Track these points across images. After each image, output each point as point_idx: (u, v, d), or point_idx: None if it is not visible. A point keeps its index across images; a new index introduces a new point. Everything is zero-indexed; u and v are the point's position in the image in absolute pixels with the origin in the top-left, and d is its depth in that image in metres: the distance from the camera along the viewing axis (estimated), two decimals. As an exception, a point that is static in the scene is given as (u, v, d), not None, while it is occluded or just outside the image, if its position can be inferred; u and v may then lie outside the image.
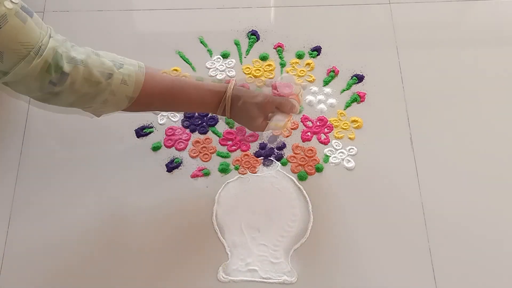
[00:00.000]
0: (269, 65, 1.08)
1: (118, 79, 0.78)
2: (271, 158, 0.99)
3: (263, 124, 0.88)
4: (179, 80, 0.86)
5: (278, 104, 0.88)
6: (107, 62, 0.77)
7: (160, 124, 1.02)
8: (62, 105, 0.80)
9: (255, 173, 0.98)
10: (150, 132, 1.01)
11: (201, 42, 1.11)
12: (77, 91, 0.76)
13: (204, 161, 0.99)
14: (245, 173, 0.98)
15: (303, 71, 1.08)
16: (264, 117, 0.88)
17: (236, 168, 0.98)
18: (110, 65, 0.78)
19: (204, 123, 1.02)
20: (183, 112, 1.02)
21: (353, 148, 1.00)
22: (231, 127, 1.02)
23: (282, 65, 1.08)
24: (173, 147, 1.00)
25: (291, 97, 0.89)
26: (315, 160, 0.99)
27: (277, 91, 0.89)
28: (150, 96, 0.83)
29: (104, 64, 0.77)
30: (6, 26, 0.68)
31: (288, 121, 0.90)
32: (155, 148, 1.00)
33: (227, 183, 0.97)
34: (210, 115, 1.03)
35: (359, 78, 1.07)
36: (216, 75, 1.07)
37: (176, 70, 1.07)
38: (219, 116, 1.03)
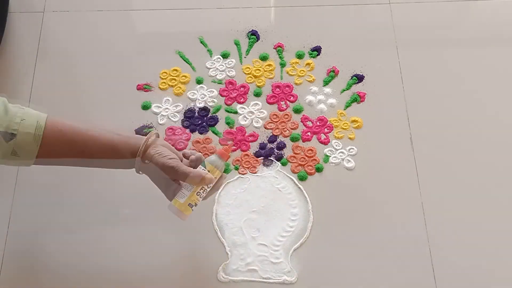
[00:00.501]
0: (269, 65, 1.08)
1: (7, 151, 0.76)
2: (271, 158, 0.99)
3: (170, 193, 0.81)
4: (84, 141, 0.79)
5: (185, 177, 0.78)
6: None
7: (160, 124, 1.02)
8: None
9: (255, 173, 0.98)
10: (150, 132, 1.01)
11: (201, 42, 1.11)
12: None
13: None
14: (245, 173, 0.98)
15: (303, 71, 1.08)
16: (170, 185, 0.81)
17: (236, 168, 0.98)
18: None
19: (204, 123, 1.02)
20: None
21: (353, 148, 1.00)
22: (231, 127, 1.02)
23: (282, 65, 1.08)
24: (173, 147, 1.00)
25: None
26: (315, 160, 0.99)
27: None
28: (48, 160, 0.81)
29: None
30: None
31: (196, 196, 0.79)
32: (155, 148, 1.00)
33: (227, 183, 0.97)
34: (210, 115, 1.03)
35: (359, 78, 1.07)
36: (216, 75, 1.07)
37: (176, 70, 1.07)
38: (219, 116, 1.03)
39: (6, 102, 0.77)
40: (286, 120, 1.03)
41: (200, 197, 0.79)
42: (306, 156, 0.99)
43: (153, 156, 0.79)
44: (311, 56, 1.09)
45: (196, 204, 0.79)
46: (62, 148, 0.80)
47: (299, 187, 0.96)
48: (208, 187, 0.80)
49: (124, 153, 0.81)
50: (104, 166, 0.83)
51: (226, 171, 0.98)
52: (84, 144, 0.80)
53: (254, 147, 1.01)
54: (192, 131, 1.02)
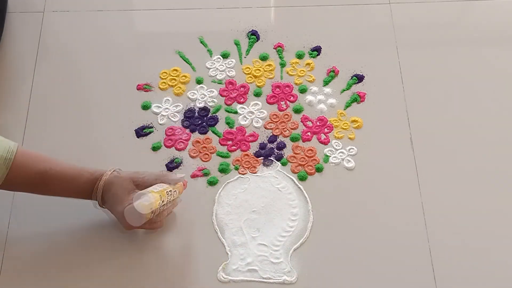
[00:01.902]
0: (269, 65, 1.08)
1: None
2: (271, 158, 0.99)
3: (132, 230, 0.87)
4: (48, 173, 0.84)
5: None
6: None
7: (160, 124, 1.02)
8: None
9: (255, 173, 0.98)
10: (150, 132, 1.01)
11: (201, 42, 1.11)
12: None
13: (204, 161, 0.99)
14: (245, 173, 0.98)
15: (303, 71, 1.08)
16: (128, 227, 0.85)
17: (236, 168, 0.98)
18: None
19: (204, 123, 1.02)
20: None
21: (353, 148, 1.00)
22: (231, 127, 1.02)
23: (282, 65, 1.08)
24: (173, 147, 1.00)
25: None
26: (315, 160, 0.99)
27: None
28: (14, 186, 0.85)
29: None
30: None
31: (157, 204, 0.83)
32: (155, 148, 1.00)
33: (227, 183, 0.97)
34: (210, 115, 1.03)
35: (359, 78, 1.07)
36: (216, 75, 1.07)
37: (176, 70, 1.08)
38: (219, 116, 1.03)
39: None
40: (286, 120, 1.03)
41: (165, 201, 0.84)
42: (306, 156, 0.99)
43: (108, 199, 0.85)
44: (311, 56, 1.09)
45: (153, 213, 0.83)
46: (28, 175, 0.84)
47: (299, 187, 0.96)
48: (174, 195, 0.87)
49: (83, 183, 0.86)
50: (65, 195, 0.88)
51: (226, 171, 0.98)
52: (48, 173, 0.84)
53: (254, 147, 1.00)
54: (192, 131, 1.02)
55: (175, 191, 0.88)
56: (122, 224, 0.85)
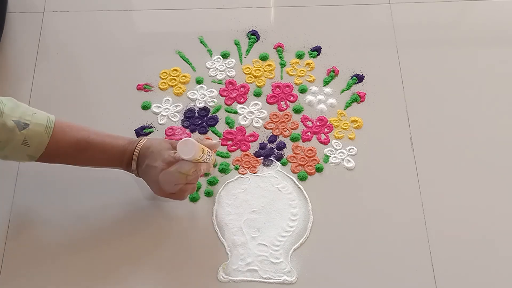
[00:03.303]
0: (269, 65, 1.08)
1: (19, 140, 0.80)
2: (271, 158, 0.99)
3: (167, 190, 0.85)
4: (87, 139, 0.85)
5: (180, 168, 0.82)
6: (9, 122, 0.79)
7: (160, 124, 1.02)
8: None
9: (255, 173, 0.98)
10: (150, 132, 1.01)
11: (201, 42, 1.11)
12: None
13: (204, 161, 0.99)
14: (245, 173, 0.98)
15: (303, 71, 1.08)
16: (166, 183, 0.84)
17: (236, 168, 0.98)
18: (11, 126, 0.79)
19: (204, 123, 1.02)
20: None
21: (353, 148, 1.00)
22: (231, 127, 1.02)
23: (282, 65, 1.08)
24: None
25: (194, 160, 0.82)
26: (315, 160, 0.99)
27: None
28: (55, 155, 0.85)
29: (5, 125, 0.79)
30: None
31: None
32: (155, 148, 1.00)
33: (227, 183, 0.97)
34: (210, 115, 1.03)
35: (359, 78, 1.07)
36: (216, 75, 1.07)
37: (176, 70, 1.08)
38: (219, 116, 1.03)
39: (16, 100, 0.82)
40: (286, 120, 1.03)
41: (205, 157, 0.84)
42: (306, 156, 0.99)
43: (147, 158, 0.85)
44: (311, 56, 1.09)
45: (200, 158, 0.82)
46: (68, 143, 0.85)
47: (299, 187, 0.96)
48: (210, 157, 0.87)
49: (120, 154, 0.87)
50: (102, 163, 0.88)
51: (226, 171, 0.98)
52: (88, 141, 0.85)
53: (254, 147, 1.01)
54: (192, 131, 1.02)
55: (212, 154, 0.87)
56: (159, 180, 0.84)
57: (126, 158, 0.87)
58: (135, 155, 0.86)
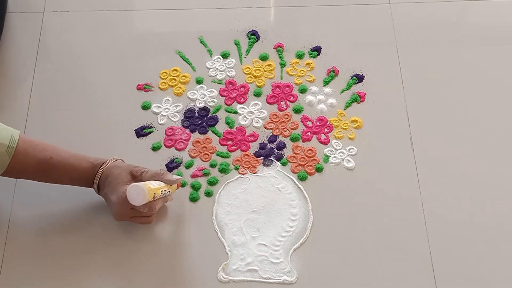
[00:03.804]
0: (269, 65, 1.08)
1: None
2: (271, 158, 0.99)
3: (123, 220, 0.90)
4: (49, 161, 0.86)
5: (132, 206, 0.85)
6: None
7: (160, 124, 1.02)
8: None
9: (255, 173, 0.98)
10: (150, 132, 1.01)
11: (201, 42, 1.11)
12: None
13: (204, 161, 0.99)
14: (245, 173, 0.98)
15: (303, 71, 1.08)
16: (120, 216, 0.88)
17: (236, 168, 0.98)
18: None
19: (204, 123, 1.02)
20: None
21: (353, 148, 1.00)
22: (231, 127, 1.02)
23: (282, 65, 1.08)
24: (173, 147, 1.00)
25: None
26: (315, 160, 0.99)
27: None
28: (17, 174, 0.87)
29: None
30: None
31: (159, 192, 0.85)
32: (155, 148, 1.00)
33: (227, 183, 0.97)
34: (210, 115, 1.03)
35: (359, 78, 1.07)
36: (216, 75, 1.07)
37: (176, 70, 1.08)
38: (219, 116, 1.03)
39: None
40: (286, 120, 1.03)
41: (159, 196, 0.86)
42: (306, 156, 0.99)
43: (106, 187, 0.87)
44: (311, 56, 1.09)
45: (154, 198, 0.85)
46: (30, 164, 0.86)
47: (299, 187, 0.96)
48: (167, 193, 0.88)
49: (84, 170, 0.88)
50: (66, 182, 0.90)
51: (226, 171, 0.98)
52: (49, 163, 0.86)
53: (254, 147, 1.00)
54: (192, 131, 1.02)
55: (169, 191, 0.89)
56: (114, 213, 0.88)
57: (89, 182, 0.89)
58: (95, 183, 0.88)
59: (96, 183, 0.88)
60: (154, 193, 0.84)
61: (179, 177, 0.91)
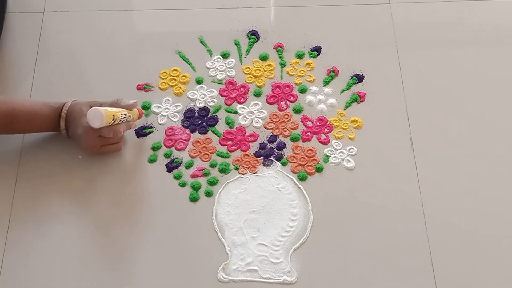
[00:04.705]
0: (269, 65, 1.08)
1: None
2: (271, 158, 0.99)
3: (94, 152, 0.95)
4: (13, 111, 0.90)
5: (99, 133, 0.91)
6: None
7: (160, 124, 1.02)
8: None
9: (255, 173, 0.98)
10: (150, 132, 1.01)
11: (201, 42, 1.11)
12: None
13: (204, 161, 0.99)
14: (245, 173, 0.98)
15: (303, 71, 1.08)
16: (90, 147, 0.94)
17: (236, 168, 0.98)
18: None
19: (204, 123, 1.02)
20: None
21: (353, 148, 1.00)
22: (231, 127, 1.02)
23: (282, 65, 1.08)
24: (173, 147, 1.00)
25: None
26: (315, 160, 0.99)
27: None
28: None
29: None
30: None
31: (118, 116, 0.92)
32: (155, 148, 1.00)
33: (227, 183, 0.97)
34: (210, 115, 1.03)
35: (359, 78, 1.07)
36: (216, 75, 1.07)
37: (176, 70, 1.08)
38: (219, 116, 1.03)
39: None
40: (286, 120, 1.03)
41: (119, 119, 0.92)
42: (306, 156, 0.99)
43: (71, 123, 0.93)
44: (311, 56, 1.09)
45: (114, 121, 0.90)
46: None
47: (299, 187, 0.96)
48: (128, 117, 0.94)
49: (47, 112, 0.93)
50: (33, 131, 0.95)
51: (226, 171, 0.98)
52: (13, 114, 0.90)
53: (254, 147, 1.00)
54: (192, 131, 1.02)
55: (129, 115, 0.95)
56: (84, 146, 0.93)
57: (54, 125, 0.94)
58: (61, 124, 0.93)
59: (63, 125, 0.93)
60: (113, 115, 0.90)
61: (135, 100, 0.96)
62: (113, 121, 0.90)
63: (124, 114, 0.93)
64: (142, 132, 1.01)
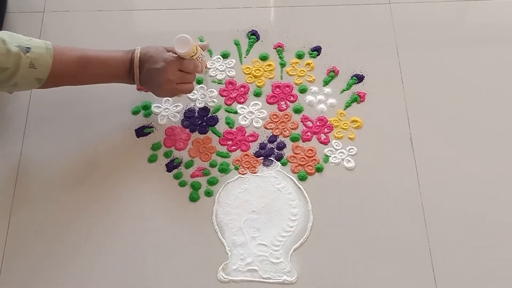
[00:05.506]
0: (269, 65, 1.08)
1: (26, 63, 0.83)
2: (271, 158, 0.99)
3: (169, 90, 0.94)
4: (85, 55, 0.90)
5: (180, 66, 0.93)
6: (13, 48, 0.82)
7: (160, 124, 1.02)
8: None
9: (255, 173, 0.98)
10: (150, 132, 1.01)
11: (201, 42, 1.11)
12: None
13: (204, 161, 0.99)
14: (245, 173, 0.98)
15: (303, 71, 1.08)
16: (169, 82, 0.93)
17: (236, 168, 0.98)
18: (16, 51, 0.82)
19: (204, 123, 1.02)
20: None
21: (353, 148, 1.00)
22: (231, 127, 1.02)
23: (282, 65, 1.08)
24: (173, 147, 1.00)
25: (190, 57, 0.93)
26: (315, 160, 0.99)
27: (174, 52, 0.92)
28: (60, 75, 0.89)
29: (10, 51, 0.81)
30: None
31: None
32: (155, 148, 1.00)
33: (227, 183, 0.97)
34: (210, 115, 1.03)
35: (359, 78, 1.07)
36: (216, 75, 1.07)
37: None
38: (219, 116, 1.03)
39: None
40: (286, 120, 1.03)
41: (199, 54, 0.96)
42: (306, 156, 0.99)
43: (146, 62, 0.92)
44: (311, 56, 1.09)
45: (195, 54, 0.94)
46: (70, 61, 0.89)
47: (299, 187, 0.96)
48: (202, 56, 0.98)
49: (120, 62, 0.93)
50: (104, 78, 0.94)
51: (226, 171, 0.98)
52: (86, 57, 0.90)
53: (254, 147, 1.01)
54: (192, 131, 1.02)
55: (204, 55, 0.99)
56: (160, 82, 0.92)
57: (127, 67, 0.92)
58: (136, 62, 0.92)
59: (136, 64, 0.92)
60: (196, 48, 0.93)
61: (207, 41, 1.02)
62: (194, 53, 0.93)
63: (201, 51, 0.97)
64: (142, 132, 1.01)
